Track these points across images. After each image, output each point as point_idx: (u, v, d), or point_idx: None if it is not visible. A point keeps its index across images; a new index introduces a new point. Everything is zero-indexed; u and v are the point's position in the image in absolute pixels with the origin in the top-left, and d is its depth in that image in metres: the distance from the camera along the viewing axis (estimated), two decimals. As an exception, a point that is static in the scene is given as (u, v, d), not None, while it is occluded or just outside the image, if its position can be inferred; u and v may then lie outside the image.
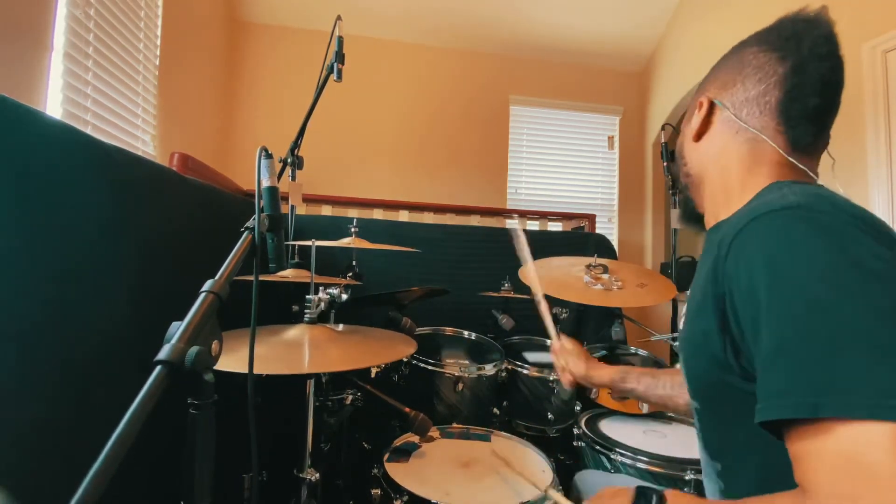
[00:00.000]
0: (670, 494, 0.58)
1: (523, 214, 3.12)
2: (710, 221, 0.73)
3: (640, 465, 1.29)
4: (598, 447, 1.40)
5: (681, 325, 0.67)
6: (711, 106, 0.70)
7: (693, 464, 1.23)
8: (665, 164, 2.14)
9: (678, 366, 0.88)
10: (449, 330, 1.93)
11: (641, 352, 1.97)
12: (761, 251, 0.51)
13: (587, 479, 1.17)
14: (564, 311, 2.04)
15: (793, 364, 0.46)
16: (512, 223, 2.96)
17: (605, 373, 1.05)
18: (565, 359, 1.10)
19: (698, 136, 0.72)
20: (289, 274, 1.37)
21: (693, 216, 0.77)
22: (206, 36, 2.87)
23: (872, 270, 0.46)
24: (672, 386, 0.96)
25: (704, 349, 0.60)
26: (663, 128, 2.18)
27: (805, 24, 0.64)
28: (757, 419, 0.48)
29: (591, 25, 3.56)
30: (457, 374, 1.57)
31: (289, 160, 1.52)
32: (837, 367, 0.43)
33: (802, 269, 0.48)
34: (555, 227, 3.16)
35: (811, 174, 0.64)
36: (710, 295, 0.57)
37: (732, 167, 0.67)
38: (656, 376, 0.99)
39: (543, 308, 1.12)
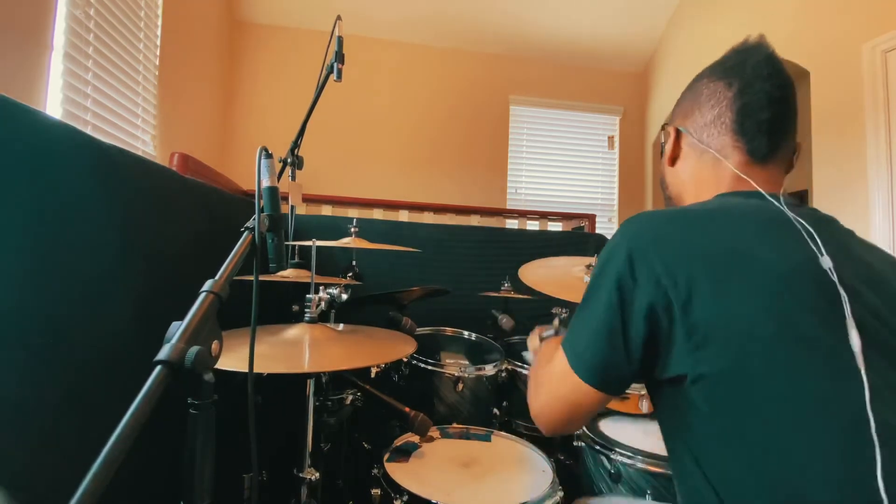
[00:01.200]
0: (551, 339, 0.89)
1: (523, 214, 3.12)
2: None
3: (639, 465, 1.29)
4: (597, 447, 1.40)
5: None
6: (678, 133, 0.79)
7: (693, 464, 1.23)
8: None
9: None
10: (449, 330, 1.93)
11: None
12: None
13: None
14: (564, 311, 2.04)
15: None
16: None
17: None
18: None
19: (672, 161, 0.81)
20: (289, 274, 1.38)
21: None
22: (206, 36, 2.87)
23: (603, 267, 0.64)
24: None
25: None
26: (663, 128, 2.18)
27: (746, 52, 0.74)
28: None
29: (592, 26, 3.56)
30: (457, 374, 1.57)
31: (289, 160, 1.52)
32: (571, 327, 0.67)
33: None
34: (555, 227, 3.16)
35: (753, 185, 0.69)
36: None
37: (703, 185, 0.75)
38: None
39: None
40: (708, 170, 0.74)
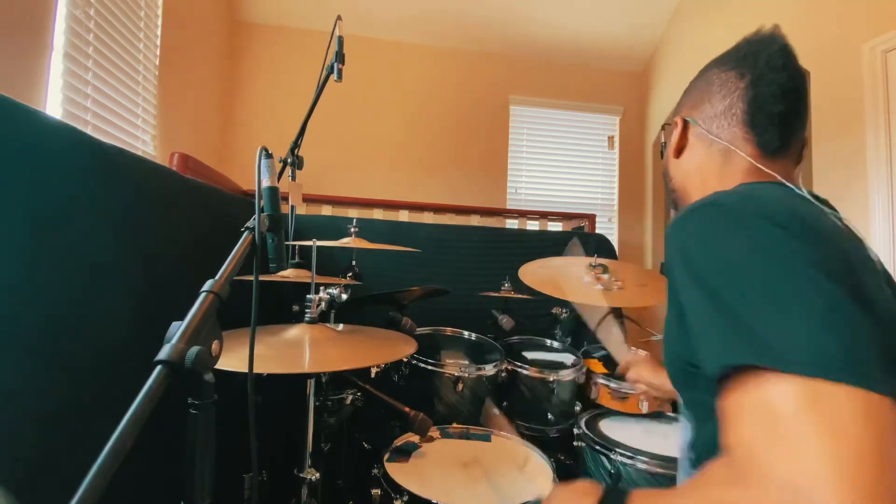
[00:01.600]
0: (636, 494, 0.57)
1: (523, 214, 3.12)
2: None
3: (639, 465, 1.29)
4: (598, 447, 1.40)
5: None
6: (685, 124, 0.77)
7: (693, 464, 1.23)
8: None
9: None
10: (449, 330, 1.93)
11: (641, 352, 1.97)
12: (676, 243, 0.57)
13: None
14: (565, 310, 2.04)
15: (710, 329, 0.49)
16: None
17: None
18: (637, 372, 1.15)
19: (678, 152, 0.78)
20: (289, 274, 1.38)
21: None
22: (206, 36, 2.87)
23: (762, 244, 0.49)
24: None
25: (670, 336, 0.64)
26: (663, 128, 2.18)
27: (759, 43, 0.71)
28: (706, 368, 0.49)
29: (592, 26, 3.56)
30: (457, 374, 1.57)
31: (289, 160, 1.52)
32: (754, 323, 0.45)
33: (705, 251, 0.53)
34: (555, 227, 3.16)
35: (776, 176, 0.66)
36: (670, 286, 0.63)
37: (710, 177, 0.73)
38: None
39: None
40: (716, 162, 0.72)
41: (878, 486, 0.37)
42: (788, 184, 0.64)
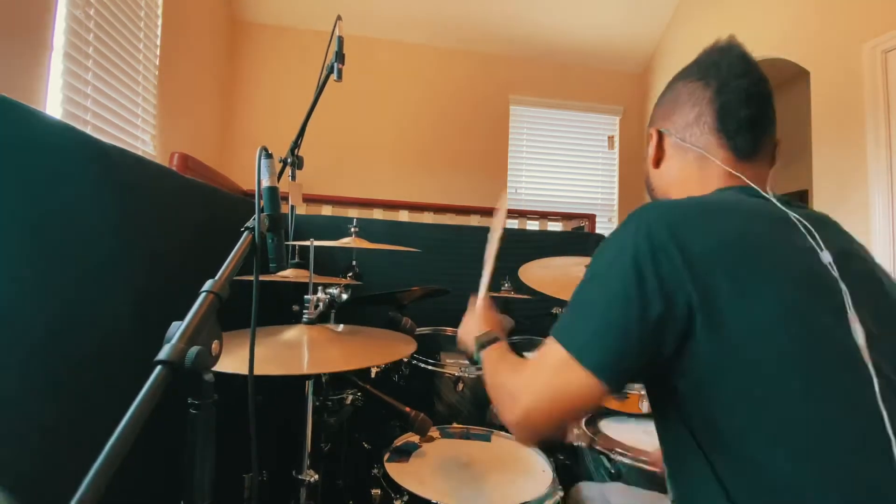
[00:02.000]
0: (501, 344, 0.85)
1: (523, 214, 3.12)
2: None
3: (639, 465, 1.29)
4: (597, 447, 1.40)
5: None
6: (660, 135, 0.80)
7: (693, 464, 1.23)
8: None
9: None
10: (449, 330, 1.93)
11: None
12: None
13: (583, 489, 1.17)
14: (565, 311, 2.03)
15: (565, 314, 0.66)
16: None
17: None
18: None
19: (656, 162, 0.81)
20: (289, 274, 1.37)
21: None
22: (206, 36, 2.87)
23: (615, 253, 0.62)
24: None
25: None
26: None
27: (719, 52, 0.75)
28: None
29: (592, 26, 3.56)
30: (457, 374, 1.57)
31: (289, 160, 1.51)
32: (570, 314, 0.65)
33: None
34: (555, 227, 3.16)
35: (745, 180, 0.70)
36: None
37: (691, 185, 0.75)
38: None
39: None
40: (693, 169, 0.75)
41: (536, 405, 0.62)
42: (754, 186, 0.68)
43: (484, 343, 0.86)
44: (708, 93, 0.73)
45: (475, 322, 0.94)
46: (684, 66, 0.81)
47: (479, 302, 1.00)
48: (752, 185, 0.68)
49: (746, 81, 0.71)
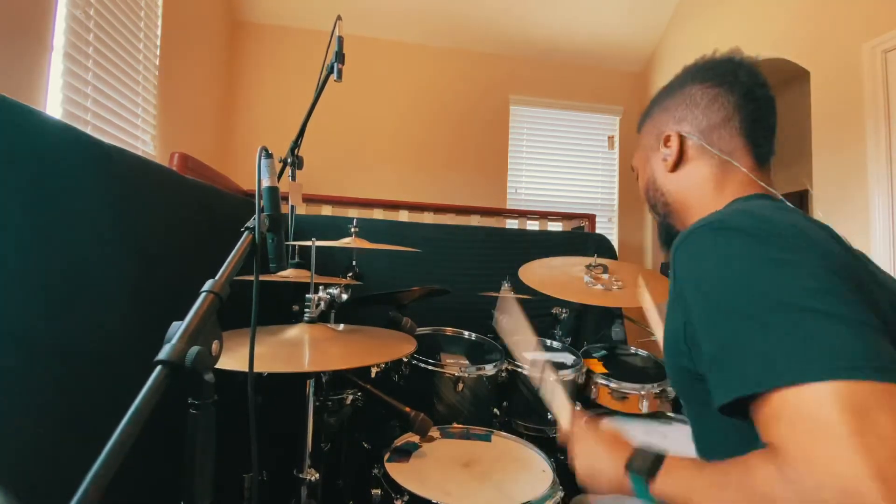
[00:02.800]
0: (670, 462, 0.58)
1: (523, 214, 3.12)
2: None
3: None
4: (598, 447, 1.40)
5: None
6: (681, 138, 0.76)
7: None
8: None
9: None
10: (449, 330, 1.93)
11: (641, 352, 1.97)
12: (689, 264, 0.59)
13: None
14: (564, 311, 2.04)
15: (731, 354, 0.51)
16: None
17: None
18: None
19: (674, 167, 0.77)
20: (289, 274, 1.37)
21: (672, 240, 0.81)
22: (206, 36, 2.87)
23: (778, 260, 0.51)
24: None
25: (675, 345, 0.64)
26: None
27: (729, 62, 0.75)
28: (715, 405, 0.51)
29: (592, 26, 3.56)
30: (457, 374, 1.57)
31: (289, 160, 1.52)
32: (769, 342, 0.47)
33: (719, 275, 0.54)
34: (555, 227, 3.16)
35: (770, 189, 0.70)
36: (673, 299, 0.64)
37: (708, 189, 0.74)
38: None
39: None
40: (715, 174, 0.74)
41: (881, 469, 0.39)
42: (779, 196, 0.69)
43: (649, 469, 0.59)
44: (733, 98, 0.72)
45: (599, 449, 0.71)
46: (685, 69, 0.80)
47: (579, 424, 0.79)
48: (777, 194, 0.69)
49: (768, 90, 0.72)
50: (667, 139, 0.77)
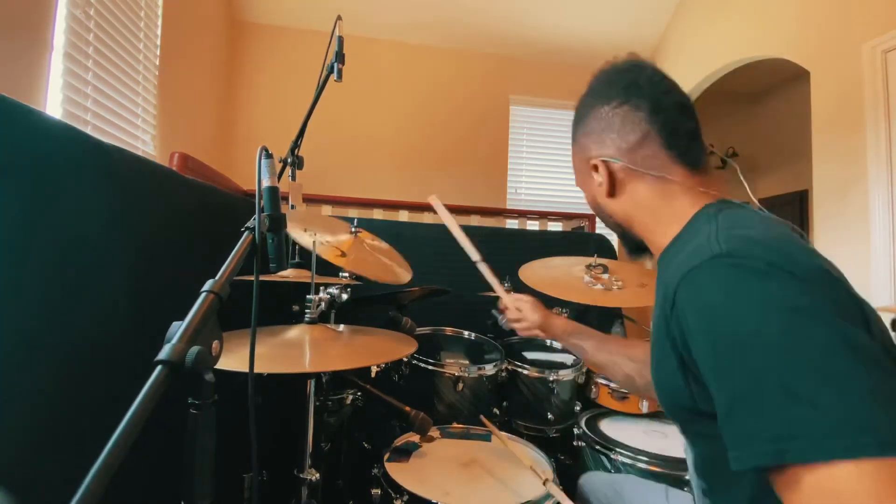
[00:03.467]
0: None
1: (523, 214, 3.12)
2: (654, 247, 0.76)
3: (640, 465, 1.29)
4: (598, 447, 1.40)
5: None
6: (606, 164, 0.74)
7: (693, 464, 1.23)
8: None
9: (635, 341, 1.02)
10: (449, 330, 1.93)
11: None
12: (698, 305, 0.54)
13: (592, 479, 1.17)
14: (564, 311, 2.04)
15: (748, 412, 0.47)
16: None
17: (559, 323, 1.14)
18: (520, 307, 1.19)
19: (610, 193, 0.76)
20: (289, 274, 1.37)
21: (638, 248, 0.81)
22: (206, 36, 2.87)
23: (799, 308, 0.47)
24: (617, 353, 1.02)
25: (668, 380, 0.61)
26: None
27: (628, 71, 0.74)
28: (732, 468, 0.48)
29: (591, 26, 3.56)
30: (457, 374, 1.57)
31: (289, 160, 1.52)
32: (790, 410, 0.44)
33: (737, 320, 0.49)
34: (555, 227, 3.16)
35: (717, 193, 0.69)
36: (664, 335, 0.59)
37: (654, 204, 0.72)
38: (604, 341, 1.07)
39: (484, 268, 1.30)
40: (655, 192, 0.71)
41: None
42: (755, 207, 0.66)
43: None
44: (641, 113, 0.70)
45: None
46: (592, 82, 0.79)
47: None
48: (725, 196, 0.67)
49: (675, 95, 0.71)
50: (594, 167, 0.76)
